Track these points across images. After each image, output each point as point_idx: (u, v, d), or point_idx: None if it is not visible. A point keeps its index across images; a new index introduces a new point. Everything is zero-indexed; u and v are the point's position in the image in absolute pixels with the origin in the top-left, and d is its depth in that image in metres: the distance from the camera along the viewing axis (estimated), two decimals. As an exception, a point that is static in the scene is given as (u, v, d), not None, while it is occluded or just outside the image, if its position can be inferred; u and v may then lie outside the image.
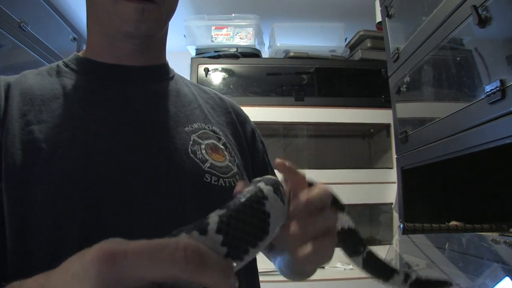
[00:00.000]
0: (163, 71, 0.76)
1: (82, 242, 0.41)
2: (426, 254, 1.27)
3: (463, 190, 1.34)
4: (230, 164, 0.67)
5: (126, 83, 0.69)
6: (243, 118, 0.81)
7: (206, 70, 2.18)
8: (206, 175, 0.62)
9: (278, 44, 2.24)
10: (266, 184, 0.38)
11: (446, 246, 1.13)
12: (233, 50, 2.19)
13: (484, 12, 0.87)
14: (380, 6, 1.66)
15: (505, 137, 0.84)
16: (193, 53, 2.26)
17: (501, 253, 0.91)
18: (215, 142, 0.68)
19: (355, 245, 0.46)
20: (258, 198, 0.36)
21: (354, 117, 2.12)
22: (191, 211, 0.59)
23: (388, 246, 2.27)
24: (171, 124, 0.66)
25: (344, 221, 0.46)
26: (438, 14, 1.12)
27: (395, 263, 2.00)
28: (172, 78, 0.77)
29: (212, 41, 2.22)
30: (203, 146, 0.65)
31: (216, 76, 2.21)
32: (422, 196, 1.42)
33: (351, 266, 2.41)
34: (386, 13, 1.54)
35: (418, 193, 1.41)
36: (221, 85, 2.20)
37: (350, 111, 2.12)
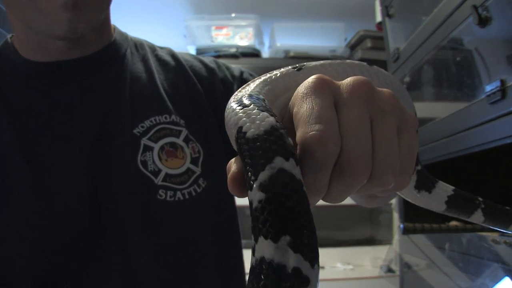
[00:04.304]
0: (111, 53, 0.62)
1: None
2: (426, 254, 1.27)
3: (463, 190, 1.34)
4: (191, 166, 0.58)
5: (61, 85, 0.58)
6: (207, 78, 0.66)
7: (206, 70, 2.18)
8: (160, 191, 0.55)
9: (278, 44, 2.24)
10: None
11: (446, 246, 1.13)
12: (233, 50, 2.19)
13: (484, 12, 0.87)
14: (380, 6, 1.66)
15: (505, 137, 0.84)
16: (193, 53, 2.26)
17: (501, 253, 0.91)
18: (174, 139, 0.58)
19: (468, 206, 0.35)
20: None
21: (354, 117, 2.12)
22: (147, 244, 0.55)
23: (388, 246, 2.27)
24: (116, 130, 0.57)
25: (443, 190, 0.33)
26: (438, 14, 1.12)
27: (395, 263, 2.00)
28: (124, 55, 0.63)
29: (212, 41, 2.22)
30: (156, 152, 0.56)
31: (216, 76, 2.21)
32: (422, 196, 1.42)
33: (351, 266, 2.41)
34: (386, 13, 1.54)
35: (418, 193, 1.41)
36: (221, 85, 2.20)
37: (350, 111, 2.12)
